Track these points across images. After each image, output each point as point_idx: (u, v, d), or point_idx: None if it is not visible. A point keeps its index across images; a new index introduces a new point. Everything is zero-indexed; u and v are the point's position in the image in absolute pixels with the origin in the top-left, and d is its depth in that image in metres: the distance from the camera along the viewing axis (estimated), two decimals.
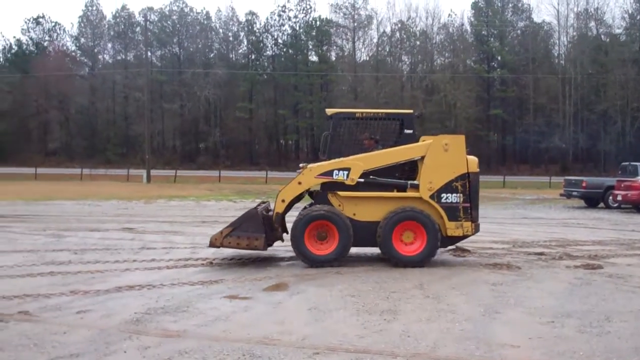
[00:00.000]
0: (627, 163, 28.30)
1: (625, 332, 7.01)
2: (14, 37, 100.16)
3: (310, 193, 11.93)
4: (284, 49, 79.35)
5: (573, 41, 74.86)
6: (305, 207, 11.79)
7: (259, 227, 11.17)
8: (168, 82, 76.13)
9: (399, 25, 76.94)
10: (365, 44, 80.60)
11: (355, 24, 77.75)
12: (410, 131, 11.71)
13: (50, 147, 76.88)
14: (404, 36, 77.33)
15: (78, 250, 12.99)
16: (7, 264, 11.03)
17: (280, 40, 79.49)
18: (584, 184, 28.50)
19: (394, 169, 11.57)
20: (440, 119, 67.82)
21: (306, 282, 9.72)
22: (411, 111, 12.26)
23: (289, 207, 11.76)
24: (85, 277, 9.99)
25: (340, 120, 11.94)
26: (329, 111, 12.18)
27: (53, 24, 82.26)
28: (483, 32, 75.26)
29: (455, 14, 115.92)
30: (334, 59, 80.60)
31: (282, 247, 12.45)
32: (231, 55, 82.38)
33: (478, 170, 11.59)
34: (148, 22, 69.43)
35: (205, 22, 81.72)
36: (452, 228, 11.27)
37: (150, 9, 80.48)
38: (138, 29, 79.73)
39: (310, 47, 79.34)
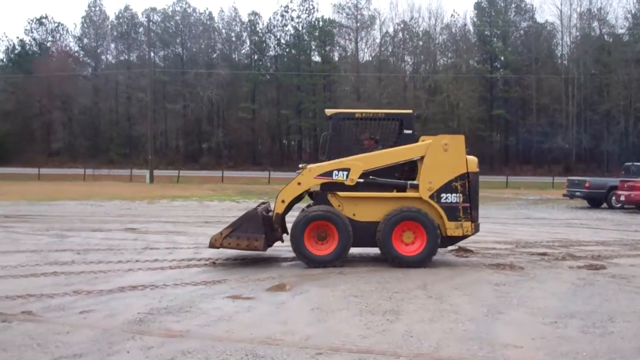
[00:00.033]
0: (630, 163, 28.28)
1: (629, 333, 7.00)
2: (17, 37, 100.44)
3: (310, 194, 11.92)
4: (287, 49, 79.40)
5: (576, 41, 74.83)
6: (305, 208, 11.78)
7: (259, 227, 11.16)
8: (171, 83, 76.19)
9: (402, 26, 76.97)
10: (368, 44, 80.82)
11: (358, 24, 77.86)
12: (410, 131, 11.70)
13: (54, 148, 76.94)
14: (407, 36, 77.38)
15: (81, 250, 13.00)
16: (10, 264, 11.04)
17: (283, 41, 79.64)
18: (587, 185, 28.47)
19: (393, 169, 11.56)
20: (443, 119, 67.84)
21: (309, 283, 9.71)
22: (410, 111, 12.25)
23: (289, 208, 11.76)
24: (88, 277, 10.00)
25: (340, 121, 11.94)
26: (329, 111, 12.17)
27: (56, 24, 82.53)
28: (486, 32, 75.25)
29: (458, 14, 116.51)
30: (336, 59, 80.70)
31: (285, 248, 12.42)
32: (234, 56, 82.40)
33: (478, 170, 11.57)
34: (151, 23, 69.44)
35: (208, 22, 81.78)
36: (452, 228, 11.26)
37: (153, 9, 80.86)
38: (141, 29, 79.95)
39: (313, 47, 79.47)
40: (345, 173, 11.29)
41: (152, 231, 16.74)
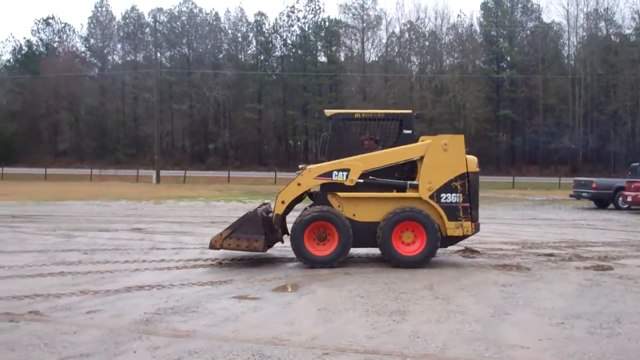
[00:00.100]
0: (637, 164, 28.14)
1: (636, 334, 6.98)
2: (24, 38, 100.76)
3: (310, 194, 11.92)
4: (293, 50, 79.39)
5: (583, 41, 74.67)
6: (305, 208, 11.79)
7: (259, 228, 11.15)
8: (177, 83, 76.29)
9: (408, 26, 76.90)
10: (374, 44, 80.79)
11: (364, 25, 77.82)
12: (409, 131, 11.68)
13: (60, 148, 77.18)
14: (413, 37, 77.30)
15: (88, 250, 13.03)
16: (17, 264, 11.08)
17: (289, 41, 79.57)
18: (593, 185, 28.37)
19: (393, 170, 11.55)
20: (449, 119, 67.76)
21: (315, 283, 9.72)
22: (410, 111, 12.22)
23: (289, 209, 11.78)
24: (95, 277, 10.03)
25: (340, 121, 11.94)
26: (328, 112, 12.17)
27: (63, 25, 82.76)
28: (492, 33, 75.09)
29: (465, 15, 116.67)
30: (343, 59, 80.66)
31: (290, 249, 12.44)
32: (240, 56, 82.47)
33: (478, 169, 11.55)
34: (157, 23, 69.62)
35: (215, 22, 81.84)
36: (452, 228, 11.25)
37: (160, 9, 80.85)
38: (147, 29, 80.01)
39: (319, 47, 79.44)
40: (345, 173, 11.30)
41: (158, 231, 16.76)
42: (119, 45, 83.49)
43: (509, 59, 74.49)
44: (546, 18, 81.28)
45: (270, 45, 79.66)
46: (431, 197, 11.22)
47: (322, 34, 77.63)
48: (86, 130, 78.01)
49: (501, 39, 75.48)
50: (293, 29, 78.83)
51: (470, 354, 6.19)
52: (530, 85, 70.58)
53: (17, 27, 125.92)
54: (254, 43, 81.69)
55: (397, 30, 78.55)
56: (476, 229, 11.49)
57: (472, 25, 78.18)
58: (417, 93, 72.54)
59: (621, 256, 13.02)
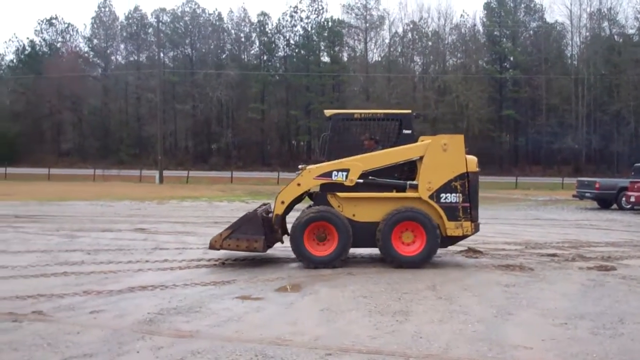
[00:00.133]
0: None
1: (639, 334, 6.97)
2: (27, 38, 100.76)
3: (310, 194, 11.92)
4: (296, 50, 79.39)
5: (586, 41, 74.56)
6: (305, 209, 11.78)
7: (259, 229, 11.15)
8: (180, 83, 76.36)
9: (411, 26, 76.90)
10: (377, 44, 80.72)
11: (367, 25, 77.78)
12: (409, 131, 11.68)
13: (64, 148, 77.31)
14: (416, 37, 77.30)
15: (91, 250, 13.05)
16: (21, 264, 11.09)
17: (292, 41, 79.53)
18: (597, 185, 28.34)
19: (393, 170, 11.55)
20: (452, 119, 67.73)
21: (318, 283, 9.72)
22: (409, 111, 12.21)
23: (289, 209, 11.79)
24: (98, 277, 10.04)
25: (339, 121, 11.95)
26: (328, 112, 12.17)
27: (66, 25, 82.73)
28: (495, 33, 75.00)
29: (468, 15, 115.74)
30: (345, 59, 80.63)
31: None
32: (243, 56, 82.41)
33: (477, 169, 11.54)
34: (160, 23, 69.67)
35: (218, 23, 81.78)
36: (451, 228, 11.24)
37: (163, 10, 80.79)
38: (150, 30, 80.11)
39: (322, 47, 79.40)
40: (345, 174, 11.30)
41: (161, 231, 16.79)
42: (122, 46, 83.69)
43: (512, 59, 74.41)
44: (549, 18, 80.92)
45: (273, 45, 79.62)
46: (431, 197, 11.22)
47: (325, 34, 77.59)
48: (89, 131, 78.11)
49: (504, 39, 75.37)
50: (296, 29, 78.91)
51: (473, 354, 6.19)
52: (533, 86, 70.46)
53: (20, 28, 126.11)
54: (257, 43, 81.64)
55: (400, 30, 78.61)
56: (476, 229, 11.49)
57: (475, 25, 78.20)
58: (420, 93, 72.52)
59: (624, 256, 13.01)
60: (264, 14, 79.74)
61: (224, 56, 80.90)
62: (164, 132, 65.05)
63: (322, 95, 74.36)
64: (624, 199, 27.25)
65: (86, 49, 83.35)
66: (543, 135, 66.15)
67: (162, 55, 71.03)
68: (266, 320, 7.45)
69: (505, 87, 73.81)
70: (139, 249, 13.24)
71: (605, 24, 73.88)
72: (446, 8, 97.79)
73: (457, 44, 78.28)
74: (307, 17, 78.02)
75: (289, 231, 11.55)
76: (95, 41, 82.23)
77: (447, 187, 11.23)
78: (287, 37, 79.38)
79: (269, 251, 12.14)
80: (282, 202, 11.44)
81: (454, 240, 11.58)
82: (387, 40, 79.26)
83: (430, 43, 77.48)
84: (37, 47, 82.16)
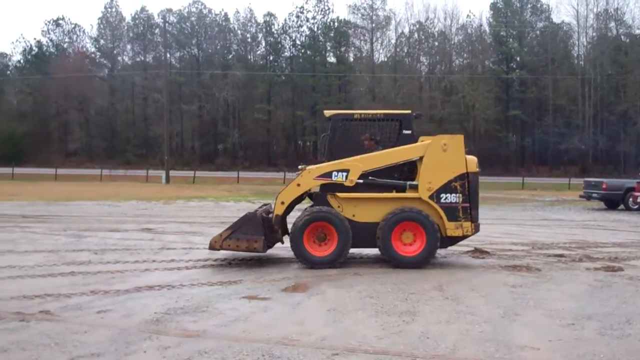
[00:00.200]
0: None
1: None
2: (35, 38, 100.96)
3: (311, 195, 11.91)
4: (302, 50, 79.52)
5: (592, 42, 74.43)
6: (305, 209, 11.78)
7: (258, 229, 11.14)
8: (187, 84, 76.53)
9: (417, 26, 76.88)
10: (383, 44, 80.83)
11: (374, 25, 77.87)
12: (409, 132, 11.66)
13: (71, 148, 77.61)
14: (422, 37, 77.27)
15: (98, 250, 13.07)
16: (28, 263, 11.12)
17: (298, 42, 79.69)
18: (603, 186, 28.25)
19: (393, 170, 11.53)
20: (458, 119, 67.64)
21: (325, 283, 9.72)
22: (409, 111, 12.18)
23: (289, 209, 11.80)
24: (105, 277, 10.06)
25: (339, 122, 11.94)
26: (328, 113, 12.15)
27: (73, 25, 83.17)
28: (502, 33, 74.94)
29: (474, 15, 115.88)
30: (352, 60, 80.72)
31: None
32: (249, 57, 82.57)
33: (478, 170, 11.51)
34: (167, 24, 69.80)
35: (224, 23, 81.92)
36: (451, 228, 11.22)
37: (169, 10, 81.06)
38: (157, 30, 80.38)
39: (328, 48, 79.51)
40: (345, 174, 11.29)
41: (168, 231, 16.81)
42: (128, 46, 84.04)
43: (518, 59, 74.35)
44: (556, 18, 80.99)
45: (280, 45, 79.75)
46: (431, 197, 11.20)
47: (331, 35, 77.68)
48: (96, 131, 78.36)
49: (511, 39, 75.31)
50: (302, 29, 79.05)
51: (480, 354, 6.18)
52: (540, 86, 70.36)
53: (27, 28, 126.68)
54: (263, 43, 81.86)
55: (406, 30, 78.69)
56: (476, 229, 11.47)
57: (481, 25, 78.20)
58: (427, 93, 72.54)
59: (631, 257, 12.96)
60: (270, 14, 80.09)
61: (230, 56, 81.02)
62: (171, 132, 65.20)
63: (328, 96, 74.36)
64: (631, 199, 27.16)
65: (93, 49, 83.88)
66: (550, 135, 66.06)
67: (168, 55, 71.16)
68: (273, 320, 7.45)
69: (512, 88, 73.73)
70: (145, 249, 13.26)
71: (612, 24, 73.79)
72: (452, 8, 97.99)
73: (464, 44, 78.28)
74: (313, 18, 78.19)
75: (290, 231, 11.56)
76: (102, 42, 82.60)
77: (447, 188, 11.21)
78: (294, 38, 79.60)
79: (275, 251, 12.17)
80: (282, 203, 11.44)
81: (454, 240, 11.56)
82: (393, 41, 79.45)
83: (436, 43, 77.44)
84: (44, 48, 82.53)
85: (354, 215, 11.27)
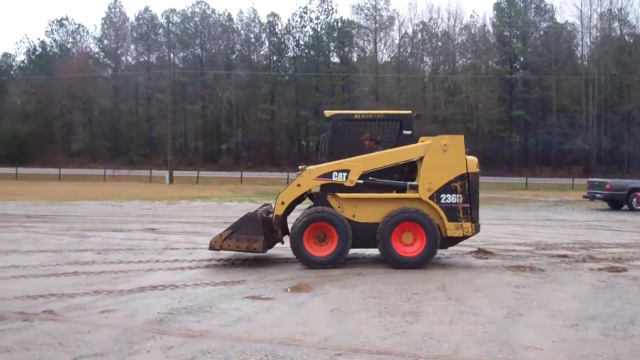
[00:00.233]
0: None
1: None
2: (38, 38, 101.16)
3: (311, 195, 11.91)
4: (306, 50, 79.47)
5: (596, 42, 74.29)
6: (305, 209, 11.78)
7: (258, 229, 11.15)
8: (190, 84, 76.57)
9: (421, 27, 76.86)
10: (386, 45, 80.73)
11: (377, 25, 77.78)
12: (409, 132, 11.66)
13: (74, 148, 77.70)
14: (426, 37, 77.28)
15: (102, 250, 13.09)
16: (31, 263, 11.14)
17: (301, 42, 79.64)
18: (607, 186, 28.18)
19: (393, 170, 11.54)
20: (462, 120, 67.56)
21: (328, 283, 9.72)
22: (410, 112, 12.18)
23: (289, 209, 11.80)
24: (108, 277, 10.07)
25: (339, 122, 11.93)
26: (328, 113, 12.15)
27: (76, 25, 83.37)
28: (505, 33, 74.88)
29: (477, 15, 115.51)
30: (355, 60, 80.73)
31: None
32: (253, 57, 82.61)
33: (478, 170, 11.51)
34: (170, 24, 69.86)
35: (227, 23, 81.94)
36: (451, 229, 11.22)
37: (173, 10, 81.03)
38: (161, 30, 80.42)
39: (332, 48, 79.58)
40: (345, 174, 11.29)
41: (171, 231, 16.82)
42: (132, 46, 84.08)
43: (522, 59, 74.26)
44: (559, 18, 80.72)
45: (283, 45, 79.75)
46: (431, 197, 11.20)
47: (335, 35, 77.69)
48: (100, 131, 78.46)
49: (514, 40, 75.25)
50: (306, 29, 79.05)
51: (484, 355, 6.18)
52: (543, 86, 70.26)
53: (31, 28, 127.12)
54: (267, 44, 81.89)
55: (409, 30, 78.58)
56: (476, 229, 11.47)
57: (485, 25, 78.10)
58: (430, 94, 72.50)
59: (635, 257, 12.94)
60: (273, 14, 79.96)
61: (233, 57, 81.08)
62: (174, 132, 65.16)
63: (331, 96, 74.40)
64: (634, 199, 27.14)
65: (96, 49, 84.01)
66: (553, 135, 66.00)
67: (172, 55, 71.26)
68: (276, 320, 7.46)
69: (515, 88, 73.65)
70: (149, 249, 13.28)
71: (616, 24, 73.68)
72: (456, 8, 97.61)
73: (467, 45, 78.21)
74: (317, 18, 78.23)
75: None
76: (105, 42, 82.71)
77: (447, 188, 11.21)
78: (297, 38, 79.59)
79: (279, 251, 12.18)
80: (282, 203, 11.43)
81: (454, 241, 11.56)
82: (396, 41, 79.38)
83: (440, 43, 77.45)
84: (48, 48, 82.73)
85: (354, 216, 11.27)
